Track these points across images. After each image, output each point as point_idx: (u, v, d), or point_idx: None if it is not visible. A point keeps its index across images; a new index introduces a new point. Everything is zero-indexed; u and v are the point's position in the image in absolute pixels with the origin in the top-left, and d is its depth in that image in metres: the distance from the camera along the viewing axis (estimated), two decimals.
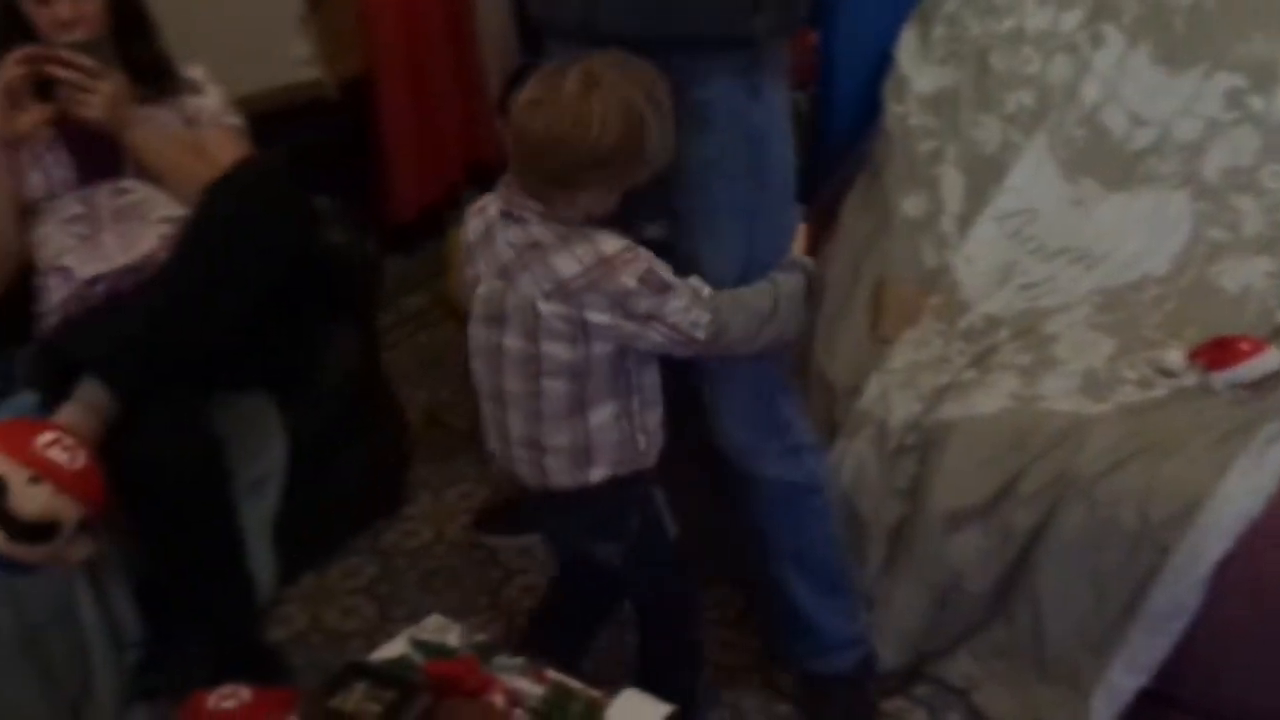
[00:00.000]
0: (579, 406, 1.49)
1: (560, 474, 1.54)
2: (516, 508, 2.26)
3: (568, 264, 1.41)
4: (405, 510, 2.35)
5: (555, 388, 1.48)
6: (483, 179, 3.08)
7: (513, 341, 1.47)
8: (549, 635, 1.80)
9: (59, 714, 1.74)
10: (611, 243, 1.42)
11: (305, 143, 2.37)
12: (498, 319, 1.48)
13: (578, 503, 1.57)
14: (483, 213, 1.50)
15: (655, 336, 1.45)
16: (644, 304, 1.42)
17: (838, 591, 1.77)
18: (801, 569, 1.73)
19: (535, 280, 1.43)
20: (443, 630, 1.47)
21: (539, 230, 1.42)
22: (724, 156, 1.48)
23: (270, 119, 2.21)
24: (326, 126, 2.81)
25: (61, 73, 1.79)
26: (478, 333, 1.52)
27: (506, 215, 1.44)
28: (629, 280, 1.40)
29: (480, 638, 1.48)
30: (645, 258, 1.43)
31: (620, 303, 1.42)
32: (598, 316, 1.43)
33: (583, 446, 1.52)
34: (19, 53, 1.77)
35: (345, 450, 2.15)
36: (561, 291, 1.42)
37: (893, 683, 1.86)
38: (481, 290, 1.49)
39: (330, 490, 2.12)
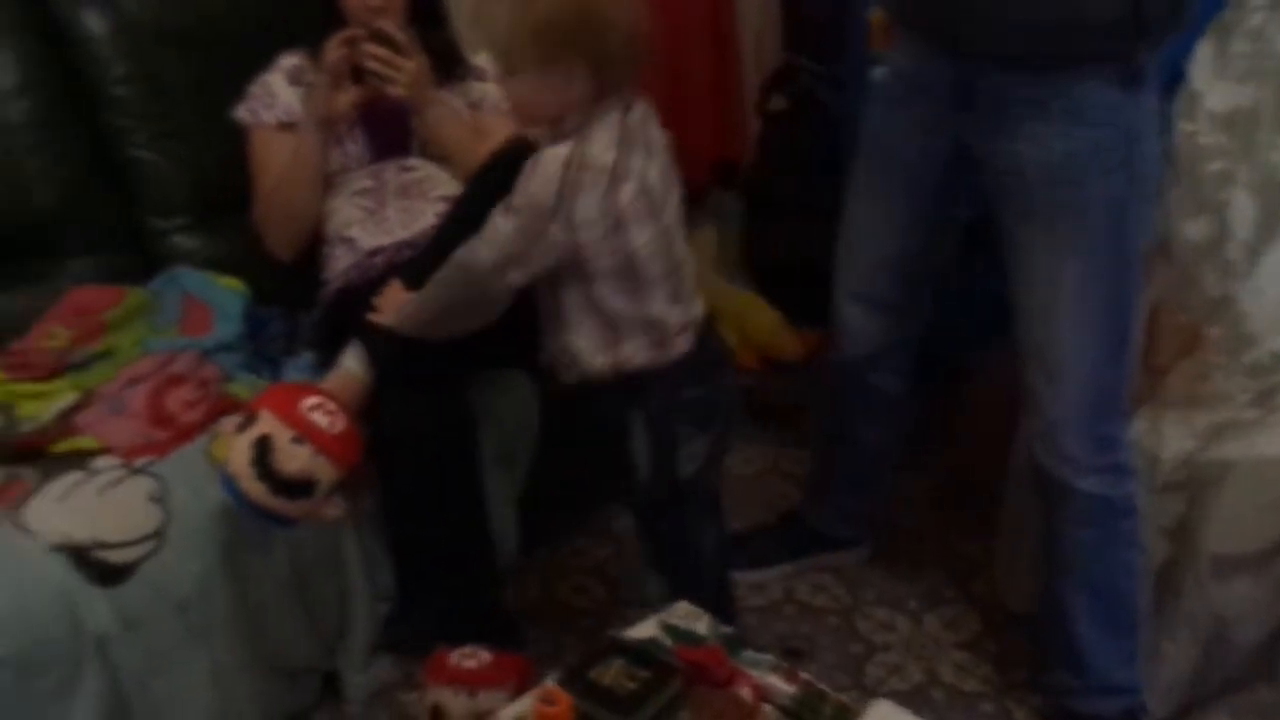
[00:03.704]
0: None
1: None
2: (757, 540, 2.25)
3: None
4: None
5: None
6: (729, 177, 3.11)
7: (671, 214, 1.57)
8: None
9: (317, 653, 1.86)
10: None
11: None
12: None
13: None
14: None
15: None
16: None
17: (1123, 631, 1.71)
18: (1090, 596, 1.68)
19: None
20: (692, 617, 1.48)
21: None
22: (1099, 150, 1.48)
23: None
24: None
25: (376, 49, 1.89)
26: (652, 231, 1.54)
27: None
28: None
29: (727, 630, 1.49)
30: None
31: None
32: None
33: None
34: (341, 35, 1.89)
35: (588, 431, 2.20)
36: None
37: None
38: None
39: (572, 470, 2.18)
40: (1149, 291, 1.98)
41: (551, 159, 1.46)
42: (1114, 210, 1.53)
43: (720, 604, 1.70)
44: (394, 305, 1.70)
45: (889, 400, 2.00)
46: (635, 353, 1.59)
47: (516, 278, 1.52)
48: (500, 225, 1.50)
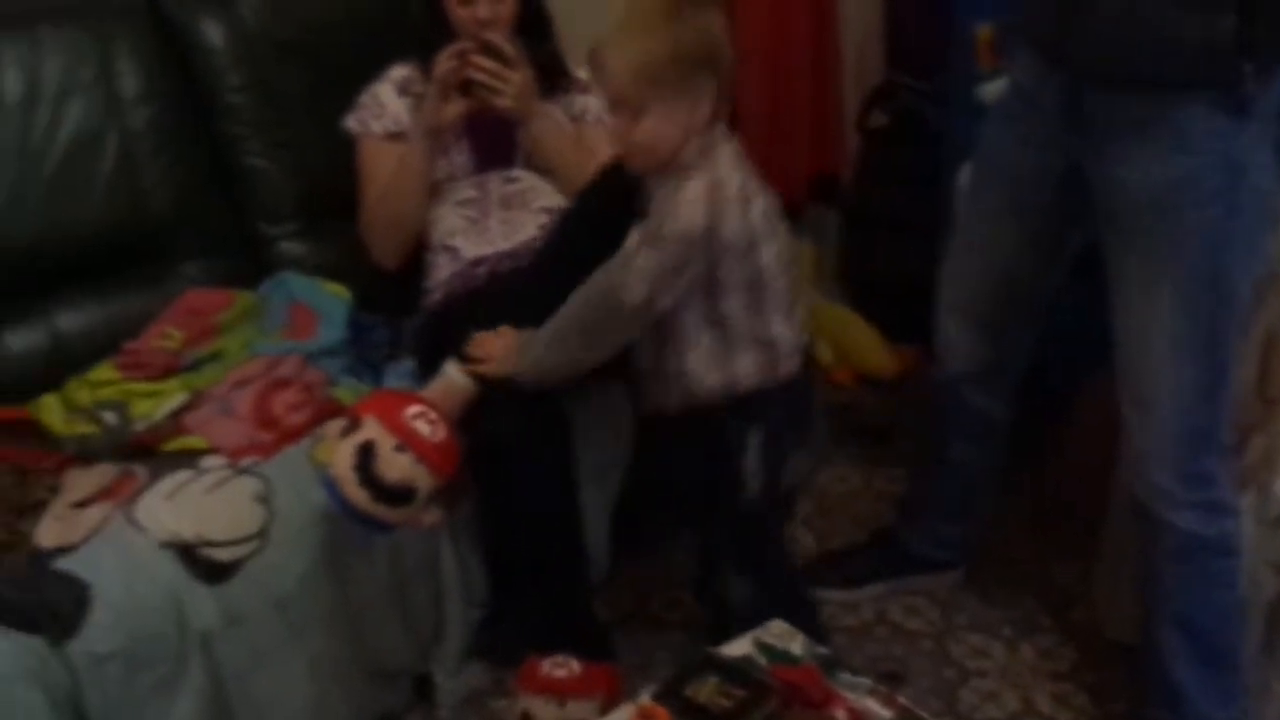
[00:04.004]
0: None
1: None
2: (849, 560, 2.22)
3: None
4: None
5: None
6: (828, 193, 3.09)
7: None
8: None
9: (411, 655, 1.88)
10: None
11: None
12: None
13: None
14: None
15: None
16: None
17: (1221, 668, 1.66)
18: (1186, 634, 1.63)
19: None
20: (787, 637, 1.47)
21: None
22: (1197, 179, 1.45)
23: None
24: None
25: (484, 61, 1.92)
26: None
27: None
28: None
29: (823, 650, 1.48)
30: None
31: None
32: None
33: None
34: (453, 48, 1.92)
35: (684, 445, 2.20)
36: None
37: None
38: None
39: (666, 483, 2.18)
40: (1263, 320, 1.93)
41: (693, 189, 1.50)
42: (1210, 241, 1.49)
43: (805, 609, 1.81)
44: (505, 351, 1.70)
45: (986, 423, 1.97)
46: (747, 372, 1.62)
47: (664, 304, 1.56)
48: (645, 259, 1.52)
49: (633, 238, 1.55)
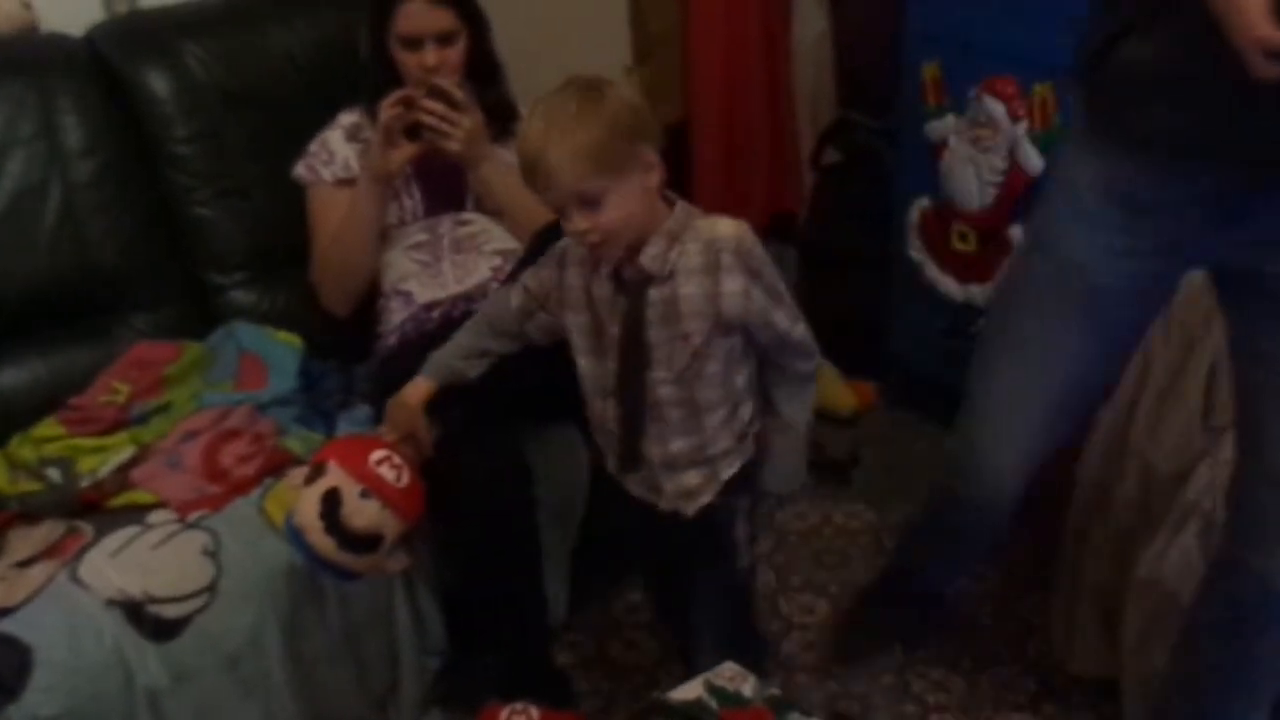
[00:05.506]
0: None
1: None
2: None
3: None
4: None
5: None
6: (785, 230, 3.11)
7: None
8: None
9: (369, 707, 1.86)
10: None
11: None
12: None
13: None
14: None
15: None
16: None
17: None
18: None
19: None
20: (738, 679, 1.47)
21: None
22: None
23: None
24: None
25: (432, 106, 1.93)
26: None
27: None
28: None
29: (774, 691, 1.47)
30: None
31: None
32: None
33: None
34: (396, 95, 1.93)
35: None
36: None
37: None
38: None
39: (623, 526, 2.17)
40: (1208, 350, 1.93)
41: (750, 240, 1.51)
42: None
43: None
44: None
45: (994, 543, 1.88)
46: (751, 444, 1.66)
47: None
48: (803, 331, 1.59)
49: (781, 317, 1.55)
